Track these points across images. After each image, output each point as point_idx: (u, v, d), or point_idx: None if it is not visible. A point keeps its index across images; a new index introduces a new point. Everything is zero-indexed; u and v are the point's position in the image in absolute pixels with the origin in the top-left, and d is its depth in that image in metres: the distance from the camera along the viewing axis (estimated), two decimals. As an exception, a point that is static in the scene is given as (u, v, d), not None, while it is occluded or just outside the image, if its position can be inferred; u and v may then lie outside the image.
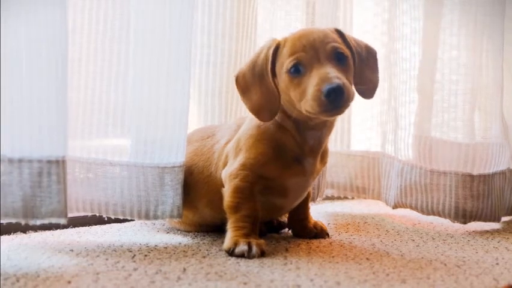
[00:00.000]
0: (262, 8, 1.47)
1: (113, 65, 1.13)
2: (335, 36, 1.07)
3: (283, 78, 1.05)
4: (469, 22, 1.41)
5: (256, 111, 1.08)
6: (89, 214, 1.15)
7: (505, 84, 1.47)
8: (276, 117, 1.09)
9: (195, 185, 1.16)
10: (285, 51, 1.05)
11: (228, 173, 1.09)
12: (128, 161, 1.12)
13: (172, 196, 1.13)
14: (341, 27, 1.52)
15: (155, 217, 1.13)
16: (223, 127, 1.21)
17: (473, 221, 1.37)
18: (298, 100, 1.03)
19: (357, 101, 1.62)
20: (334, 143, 1.59)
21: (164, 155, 1.13)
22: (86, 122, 1.13)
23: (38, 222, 0.98)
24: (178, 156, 1.14)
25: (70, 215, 1.20)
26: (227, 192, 1.09)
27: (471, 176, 1.37)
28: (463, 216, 1.37)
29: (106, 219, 1.22)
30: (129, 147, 1.13)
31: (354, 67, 1.08)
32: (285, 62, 1.04)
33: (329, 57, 1.03)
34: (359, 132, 1.66)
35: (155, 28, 1.11)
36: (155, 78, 1.12)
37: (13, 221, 0.98)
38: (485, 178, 1.37)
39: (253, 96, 1.08)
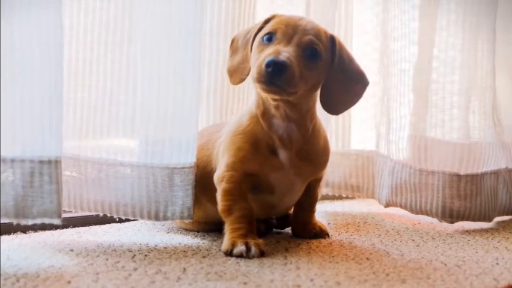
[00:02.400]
0: (261, 7, 1.47)
1: (123, 66, 1.13)
2: (323, 38, 1.06)
3: (255, 43, 1.07)
4: (464, 23, 1.41)
5: (231, 72, 1.12)
6: (101, 214, 1.14)
7: (504, 84, 1.47)
8: (251, 104, 1.11)
9: (200, 178, 1.16)
10: (271, 22, 1.07)
11: (217, 177, 1.10)
12: (138, 162, 1.12)
13: (181, 197, 1.13)
14: (340, 27, 1.53)
15: (165, 218, 1.13)
16: (229, 123, 1.21)
17: (461, 220, 1.37)
18: (252, 65, 1.05)
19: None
20: (331, 142, 1.59)
21: (173, 155, 1.13)
22: (97, 122, 1.13)
23: (30, 222, 0.96)
24: (188, 156, 1.13)
25: (81, 214, 1.20)
26: (218, 197, 1.09)
27: (458, 176, 1.37)
28: (450, 215, 1.37)
29: (108, 218, 1.22)
30: (138, 147, 1.13)
31: (326, 74, 1.07)
32: (264, 30, 1.06)
33: (299, 44, 1.03)
34: (358, 132, 1.66)
35: (163, 28, 1.11)
36: (164, 78, 1.12)
37: (5, 221, 0.97)
38: (473, 178, 1.37)
39: (235, 58, 1.12)
